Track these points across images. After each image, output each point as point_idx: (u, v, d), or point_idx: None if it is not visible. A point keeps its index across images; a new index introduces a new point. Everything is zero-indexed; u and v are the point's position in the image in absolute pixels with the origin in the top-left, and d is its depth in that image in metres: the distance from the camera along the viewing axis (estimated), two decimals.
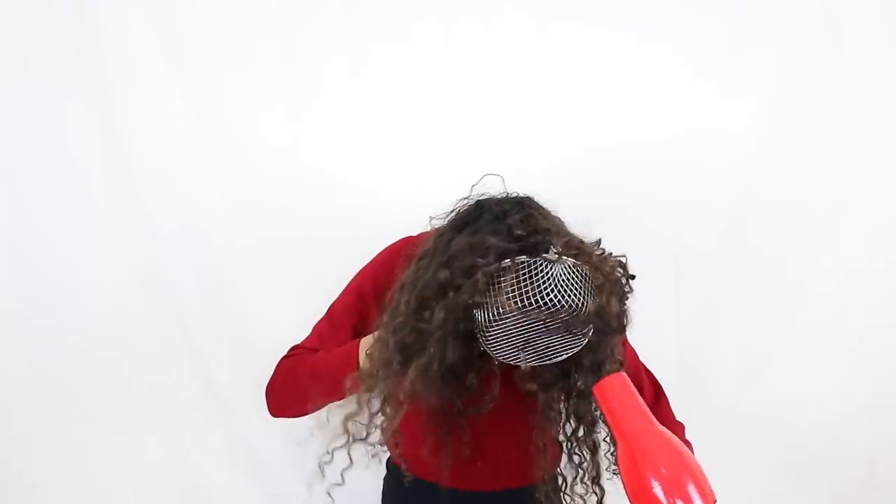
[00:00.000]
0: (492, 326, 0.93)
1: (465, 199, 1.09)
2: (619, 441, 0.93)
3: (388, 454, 1.36)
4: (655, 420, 0.93)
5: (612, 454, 1.12)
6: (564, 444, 1.15)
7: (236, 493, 1.61)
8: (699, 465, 0.91)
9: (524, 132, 1.52)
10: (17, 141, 1.47)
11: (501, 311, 0.92)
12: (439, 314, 0.95)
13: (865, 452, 1.68)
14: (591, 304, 0.93)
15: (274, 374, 1.18)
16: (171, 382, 1.56)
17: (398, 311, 1.01)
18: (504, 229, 0.97)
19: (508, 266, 0.93)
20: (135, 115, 1.46)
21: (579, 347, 0.97)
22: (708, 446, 1.61)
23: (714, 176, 1.57)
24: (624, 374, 0.95)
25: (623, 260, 1.02)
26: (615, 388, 0.93)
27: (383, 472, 1.38)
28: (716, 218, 1.58)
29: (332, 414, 1.15)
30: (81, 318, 1.53)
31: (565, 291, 0.91)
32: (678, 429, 1.24)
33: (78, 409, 1.55)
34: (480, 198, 1.08)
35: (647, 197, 1.57)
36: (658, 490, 0.86)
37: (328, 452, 1.10)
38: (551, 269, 0.92)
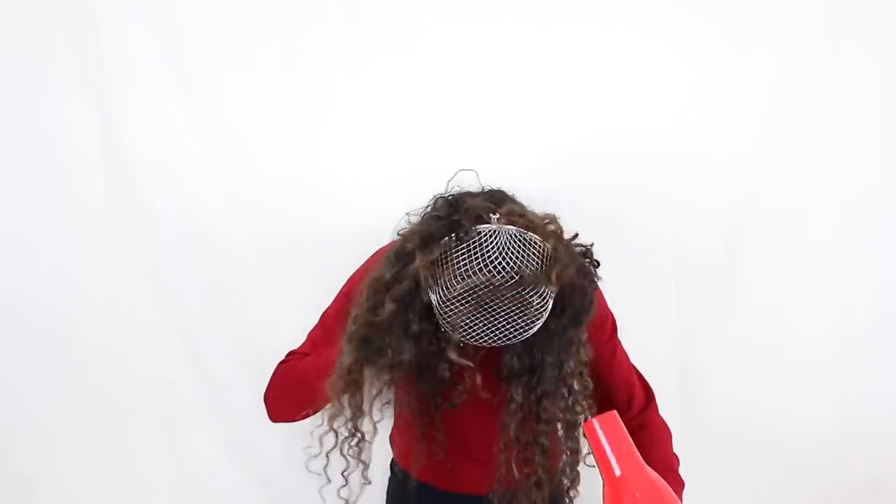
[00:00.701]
0: (446, 306, 0.93)
1: (440, 195, 1.09)
2: (605, 480, 0.94)
3: (391, 455, 1.37)
4: (644, 464, 0.94)
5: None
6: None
7: (236, 494, 1.61)
8: None
9: (525, 132, 1.52)
10: (18, 140, 1.47)
11: (449, 288, 0.92)
12: (389, 306, 0.97)
13: (865, 453, 1.68)
14: (536, 269, 0.93)
15: (270, 380, 1.19)
16: (172, 382, 1.56)
17: (357, 309, 1.03)
18: (451, 214, 0.98)
19: (446, 244, 0.94)
20: (135, 114, 1.46)
21: (539, 321, 0.96)
22: (708, 447, 1.62)
23: (714, 176, 1.57)
24: (615, 413, 0.96)
25: (588, 246, 1.04)
26: (607, 427, 0.94)
27: (388, 473, 1.38)
28: (716, 218, 1.58)
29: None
30: (82, 319, 1.53)
31: (506, 257, 0.91)
32: (665, 438, 1.23)
33: (78, 408, 1.55)
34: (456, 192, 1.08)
35: (648, 197, 1.57)
36: None
37: (320, 453, 1.11)
38: (490, 238, 0.92)
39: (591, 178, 1.54)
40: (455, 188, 1.09)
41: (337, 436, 1.08)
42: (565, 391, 1.06)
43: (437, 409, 1.11)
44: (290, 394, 1.14)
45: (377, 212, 1.39)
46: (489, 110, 1.51)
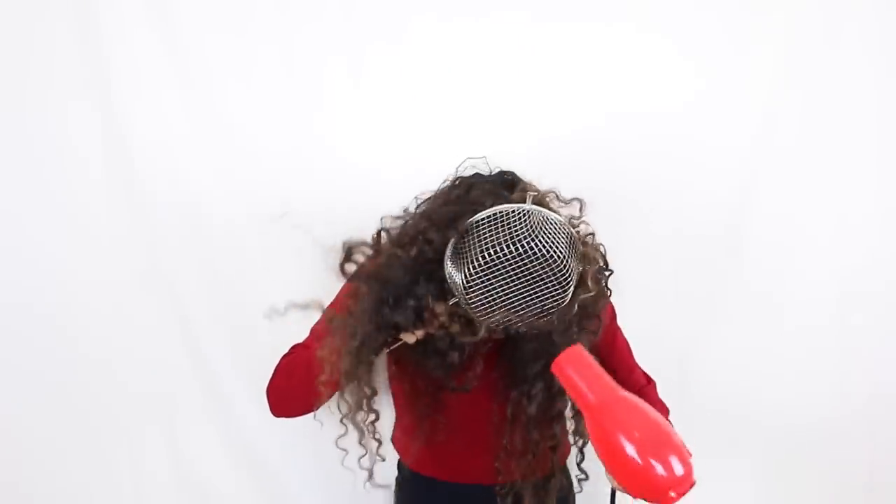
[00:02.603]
0: (471, 281, 0.94)
1: (446, 181, 1.11)
2: (585, 413, 0.93)
3: (396, 457, 1.37)
4: (619, 387, 0.93)
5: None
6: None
7: (236, 494, 1.61)
8: (669, 424, 0.92)
9: (523, 133, 1.52)
10: (17, 140, 1.47)
11: (476, 265, 0.92)
12: (404, 278, 0.99)
13: (865, 451, 1.68)
14: (564, 251, 0.94)
15: (273, 372, 1.19)
16: (172, 382, 1.56)
17: (361, 298, 1.04)
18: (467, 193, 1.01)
19: (474, 222, 0.95)
20: (135, 111, 1.46)
21: (562, 302, 0.97)
22: (708, 445, 1.61)
23: (714, 175, 1.57)
24: (580, 345, 0.95)
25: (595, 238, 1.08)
26: (574, 361, 0.94)
27: (395, 471, 1.39)
28: (716, 217, 1.58)
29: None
30: (81, 318, 1.53)
31: (537, 236, 0.93)
32: (664, 413, 1.24)
33: (78, 408, 1.55)
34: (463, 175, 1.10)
35: (647, 197, 1.57)
36: (631, 450, 0.87)
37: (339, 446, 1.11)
38: (521, 217, 0.94)
39: (589, 179, 1.53)
40: (466, 170, 1.10)
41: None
42: None
43: (450, 391, 1.11)
44: (293, 385, 1.15)
45: (378, 206, 1.40)
46: (487, 108, 1.51)
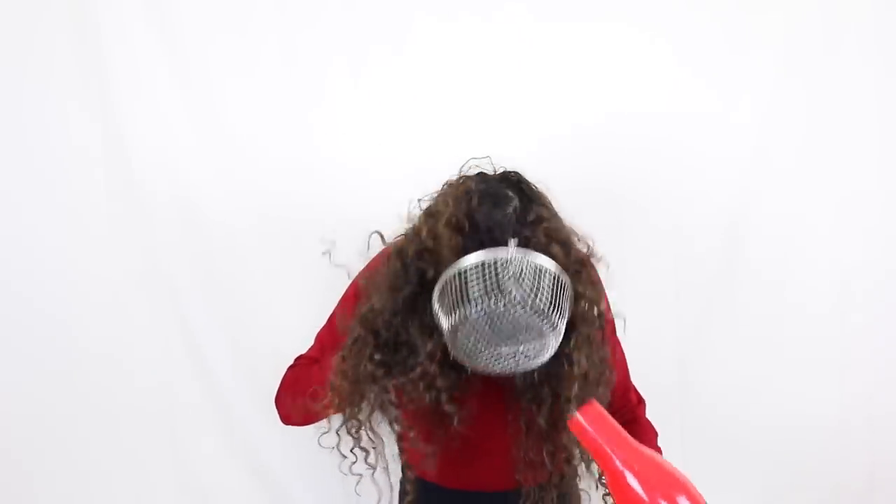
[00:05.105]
0: (454, 330, 0.89)
1: (447, 183, 1.07)
2: (606, 472, 0.92)
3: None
4: (636, 442, 0.93)
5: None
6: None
7: (236, 494, 1.61)
8: (687, 478, 0.92)
9: (523, 133, 1.52)
10: (17, 140, 1.47)
11: (459, 317, 0.88)
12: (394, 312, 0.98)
13: (865, 453, 1.68)
14: (547, 304, 0.89)
15: (279, 385, 1.19)
16: (172, 382, 1.56)
17: (363, 313, 1.02)
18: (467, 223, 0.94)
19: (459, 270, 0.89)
20: (135, 111, 1.46)
21: (549, 355, 0.93)
22: (707, 446, 1.62)
23: (714, 176, 1.57)
24: (594, 401, 0.93)
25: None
26: (591, 419, 0.92)
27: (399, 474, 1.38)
28: (716, 218, 1.58)
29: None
30: (81, 318, 1.53)
31: (520, 287, 0.87)
32: (651, 434, 1.23)
33: (77, 407, 1.55)
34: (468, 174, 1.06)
35: (647, 197, 1.57)
36: None
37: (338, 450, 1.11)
38: (505, 266, 0.88)
39: (589, 179, 1.54)
40: (469, 170, 1.08)
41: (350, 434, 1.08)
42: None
43: (450, 425, 1.08)
44: (298, 401, 1.14)
45: (379, 207, 1.40)
46: (488, 108, 1.51)
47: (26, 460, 1.56)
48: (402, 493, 1.37)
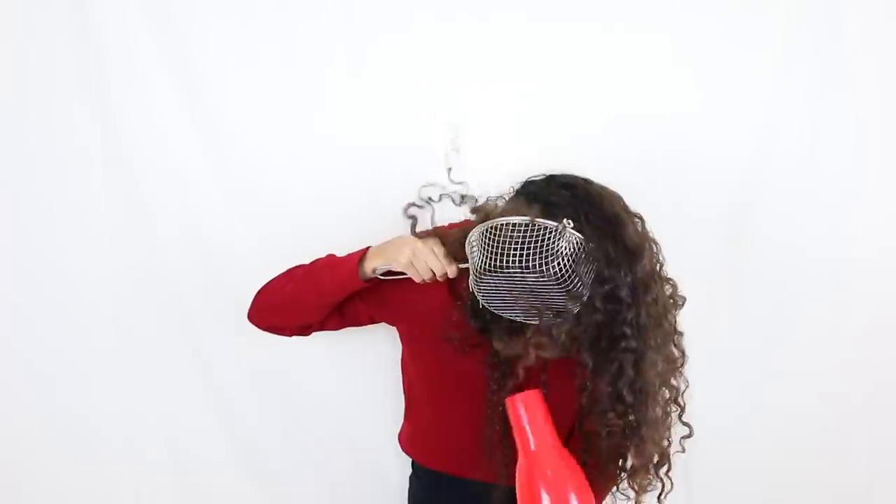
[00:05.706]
0: (483, 276, 0.96)
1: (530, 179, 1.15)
2: (521, 455, 0.99)
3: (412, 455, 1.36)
4: (560, 444, 1.00)
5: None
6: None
7: (236, 494, 1.61)
8: (585, 481, 1.00)
9: (522, 133, 1.52)
10: (17, 140, 1.47)
11: (495, 265, 0.94)
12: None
13: (865, 454, 1.68)
14: (582, 278, 0.97)
15: (274, 278, 1.22)
16: (172, 382, 1.56)
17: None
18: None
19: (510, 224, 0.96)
20: (134, 112, 1.46)
21: (565, 314, 0.99)
22: (706, 446, 1.61)
23: (715, 176, 1.57)
24: (539, 391, 1.00)
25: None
26: (528, 405, 1.00)
27: (408, 471, 1.38)
28: (716, 217, 1.58)
29: None
30: (81, 318, 1.53)
31: (563, 262, 0.95)
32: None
33: (77, 407, 1.55)
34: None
35: (648, 197, 1.56)
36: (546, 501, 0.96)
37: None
38: (559, 239, 0.95)
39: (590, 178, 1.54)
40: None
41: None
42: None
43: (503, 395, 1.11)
44: (288, 286, 1.18)
45: (378, 208, 1.40)
46: (488, 107, 1.51)
47: (27, 460, 1.57)
48: (413, 488, 1.36)
